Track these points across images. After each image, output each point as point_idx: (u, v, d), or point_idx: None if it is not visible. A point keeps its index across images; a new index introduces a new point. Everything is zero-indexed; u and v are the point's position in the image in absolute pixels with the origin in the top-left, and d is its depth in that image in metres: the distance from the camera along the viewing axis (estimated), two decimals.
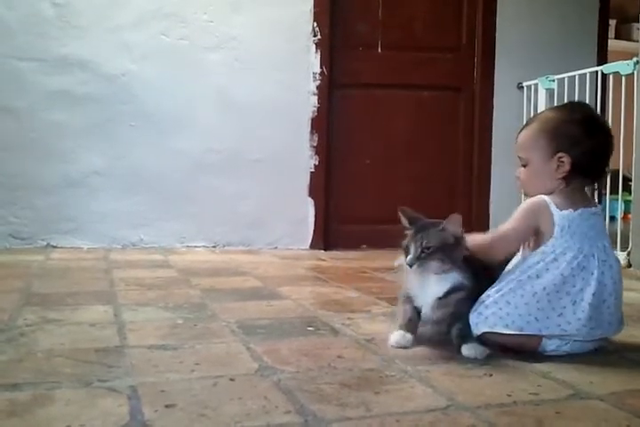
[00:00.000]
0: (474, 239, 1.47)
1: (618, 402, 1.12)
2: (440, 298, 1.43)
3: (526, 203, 1.46)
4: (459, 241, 1.43)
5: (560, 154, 1.43)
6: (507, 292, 1.40)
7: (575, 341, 1.39)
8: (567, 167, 1.43)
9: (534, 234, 1.44)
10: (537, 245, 1.43)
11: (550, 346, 1.39)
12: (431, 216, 1.52)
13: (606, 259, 1.41)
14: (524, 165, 1.50)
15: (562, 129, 1.46)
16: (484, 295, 1.43)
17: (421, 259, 1.40)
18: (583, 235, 1.40)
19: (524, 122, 1.61)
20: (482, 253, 1.46)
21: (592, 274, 1.37)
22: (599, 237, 1.43)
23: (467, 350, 1.38)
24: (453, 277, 1.43)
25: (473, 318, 1.41)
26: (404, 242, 1.45)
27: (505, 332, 1.37)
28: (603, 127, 1.51)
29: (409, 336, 1.46)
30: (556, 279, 1.37)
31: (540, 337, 1.38)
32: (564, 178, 1.44)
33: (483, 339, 1.40)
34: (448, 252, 1.41)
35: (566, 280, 1.37)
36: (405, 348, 1.44)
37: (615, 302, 1.40)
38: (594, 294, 1.36)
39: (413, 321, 1.48)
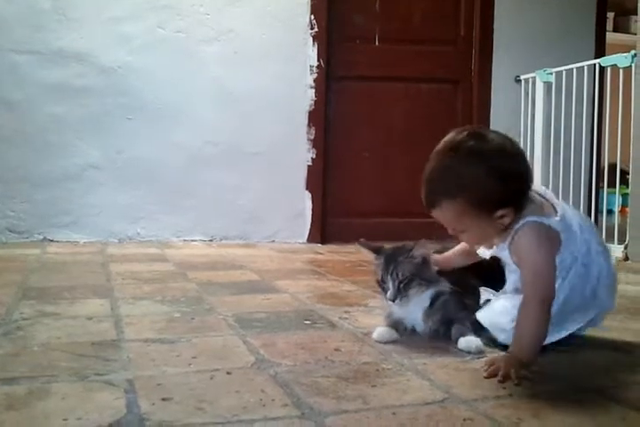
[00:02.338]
0: (526, 326, 1.24)
1: (613, 395, 1.12)
2: (427, 308, 1.44)
3: (537, 236, 1.28)
4: (426, 261, 1.43)
5: (500, 212, 1.26)
6: None
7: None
8: (511, 215, 1.28)
9: None
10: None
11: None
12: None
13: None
14: (461, 231, 1.33)
15: (487, 190, 1.24)
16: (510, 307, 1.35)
17: (401, 291, 1.41)
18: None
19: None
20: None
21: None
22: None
23: (463, 343, 1.38)
24: (430, 291, 1.44)
25: (499, 329, 1.37)
26: (377, 276, 1.45)
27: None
28: (517, 155, 1.30)
29: (394, 332, 1.45)
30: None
31: None
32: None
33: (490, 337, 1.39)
34: (422, 274, 1.42)
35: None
36: (388, 343, 1.42)
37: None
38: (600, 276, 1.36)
39: (399, 325, 1.47)
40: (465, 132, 1.29)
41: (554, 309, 1.27)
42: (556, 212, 1.34)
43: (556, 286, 1.29)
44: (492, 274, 1.48)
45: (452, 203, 1.26)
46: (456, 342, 1.40)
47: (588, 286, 1.35)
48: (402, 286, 1.40)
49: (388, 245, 1.49)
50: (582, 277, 1.34)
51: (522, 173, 1.29)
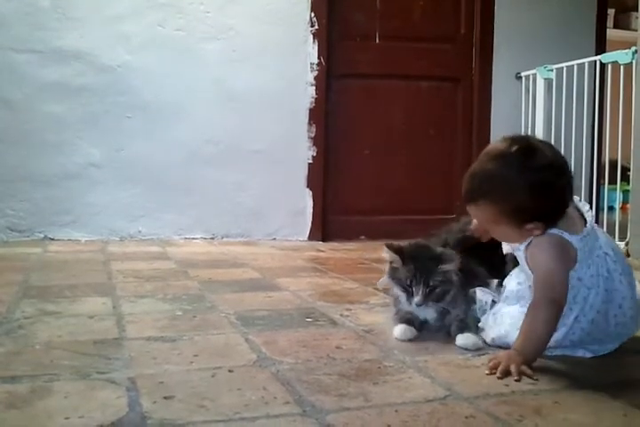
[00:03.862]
0: (529, 338, 1.24)
1: (615, 392, 1.12)
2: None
3: (552, 245, 1.29)
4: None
5: (530, 226, 1.28)
6: None
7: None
8: (541, 230, 1.29)
9: None
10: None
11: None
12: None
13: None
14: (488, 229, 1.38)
15: (523, 204, 1.26)
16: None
17: (428, 297, 1.43)
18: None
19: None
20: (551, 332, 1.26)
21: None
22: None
23: (460, 339, 1.39)
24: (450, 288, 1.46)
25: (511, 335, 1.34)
26: (400, 275, 1.46)
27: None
28: (563, 173, 1.29)
29: (413, 329, 1.46)
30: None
31: None
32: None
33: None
34: (448, 278, 1.45)
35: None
36: (410, 340, 1.43)
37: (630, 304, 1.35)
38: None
39: (414, 321, 1.49)
40: (517, 146, 1.28)
41: (577, 333, 1.30)
42: (584, 226, 1.33)
43: (571, 299, 1.29)
44: (493, 261, 1.49)
45: (487, 206, 1.29)
46: (454, 338, 1.41)
47: (611, 313, 1.32)
48: (428, 291, 1.43)
49: (408, 245, 1.50)
50: (606, 303, 1.31)
51: (563, 192, 1.29)
